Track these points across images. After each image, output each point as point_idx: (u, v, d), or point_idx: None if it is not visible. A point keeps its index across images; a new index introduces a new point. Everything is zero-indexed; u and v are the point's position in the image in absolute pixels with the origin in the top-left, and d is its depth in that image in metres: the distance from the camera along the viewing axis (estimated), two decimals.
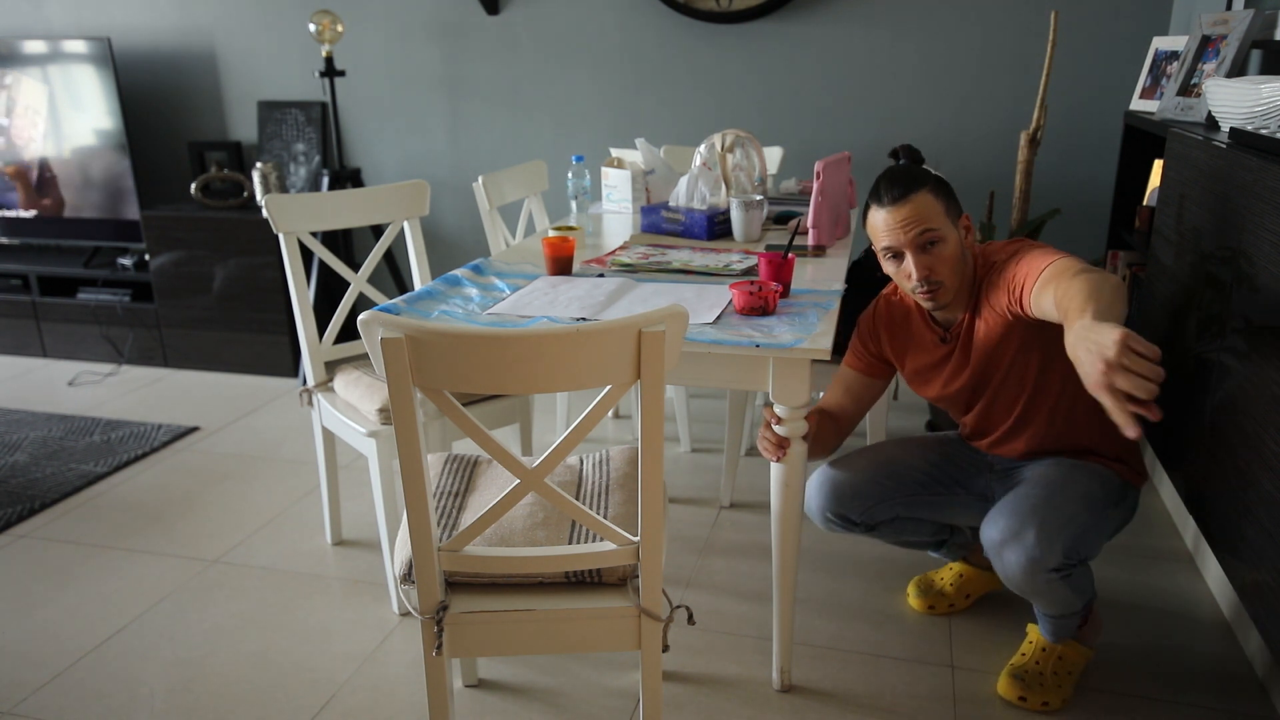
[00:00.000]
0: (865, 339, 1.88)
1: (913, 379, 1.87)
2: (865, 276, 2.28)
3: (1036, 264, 1.59)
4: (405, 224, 2.32)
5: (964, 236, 1.69)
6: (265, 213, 2.13)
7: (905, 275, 1.66)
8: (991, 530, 1.65)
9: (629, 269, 2.06)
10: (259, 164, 3.60)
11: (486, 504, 1.55)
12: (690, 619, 1.48)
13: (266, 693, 1.81)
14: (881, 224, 1.64)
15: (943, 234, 1.64)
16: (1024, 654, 1.82)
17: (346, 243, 3.84)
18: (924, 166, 1.72)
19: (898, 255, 1.65)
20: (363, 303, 3.78)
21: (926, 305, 1.70)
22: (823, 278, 1.98)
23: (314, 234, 3.21)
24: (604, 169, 2.78)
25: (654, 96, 3.50)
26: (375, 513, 2.52)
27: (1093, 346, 1.26)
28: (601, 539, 1.41)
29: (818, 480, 1.87)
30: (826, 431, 1.88)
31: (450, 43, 3.62)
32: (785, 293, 1.82)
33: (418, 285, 2.38)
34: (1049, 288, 1.51)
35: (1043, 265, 1.58)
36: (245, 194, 3.63)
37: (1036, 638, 1.82)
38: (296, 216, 2.15)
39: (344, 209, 2.23)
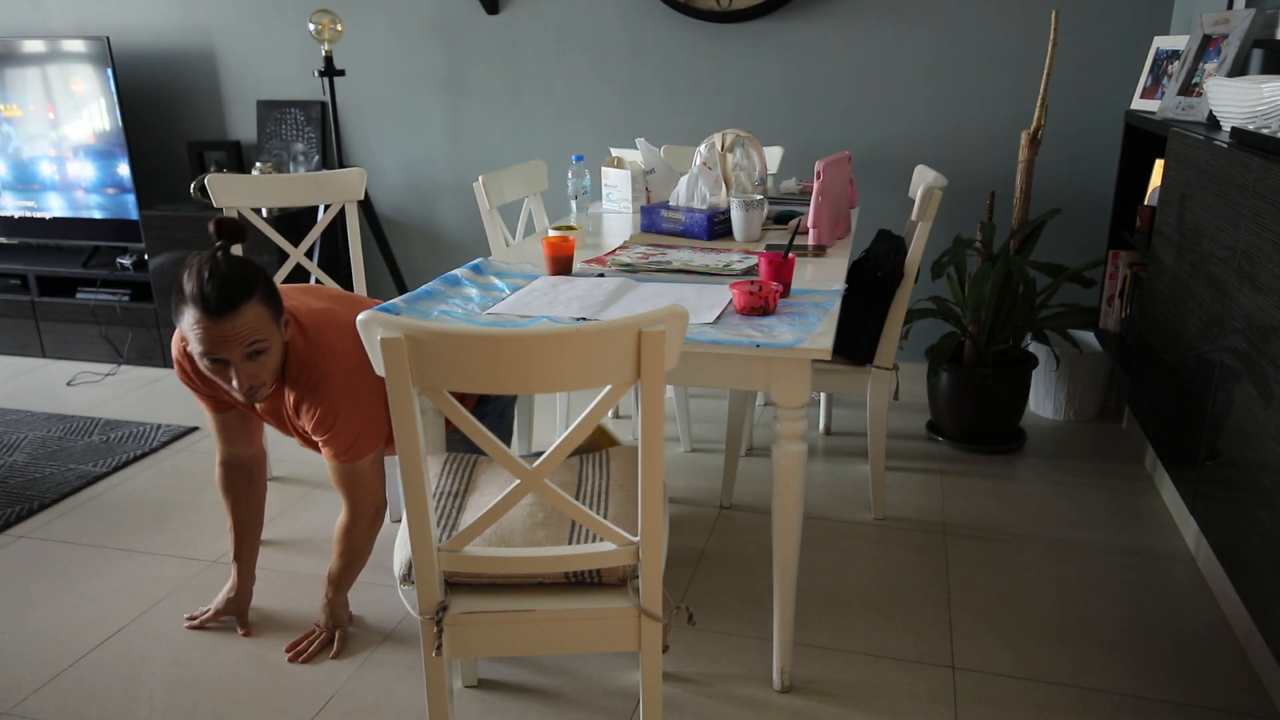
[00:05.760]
0: (200, 387, 1.86)
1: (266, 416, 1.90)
2: (865, 277, 2.28)
3: (329, 441, 1.75)
4: (349, 208, 2.57)
5: (284, 333, 1.69)
6: (208, 190, 2.39)
7: (225, 379, 1.62)
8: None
9: (629, 269, 2.06)
10: (258, 164, 3.59)
11: (486, 504, 1.54)
12: (690, 619, 1.48)
13: (266, 693, 1.81)
14: (205, 334, 1.55)
15: (270, 343, 1.62)
16: None
17: (342, 238, 3.83)
18: (249, 259, 1.65)
19: (217, 362, 1.60)
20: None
21: (245, 401, 1.69)
22: (823, 278, 1.98)
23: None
24: (604, 169, 2.78)
25: (654, 96, 3.49)
26: None
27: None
28: (601, 539, 1.41)
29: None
30: (243, 481, 1.98)
31: (450, 43, 3.62)
32: (785, 293, 1.82)
33: (356, 268, 2.58)
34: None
35: (330, 451, 1.76)
36: None
37: None
38: (237, 193, 2.44)
39: (283, 190, 2.49)
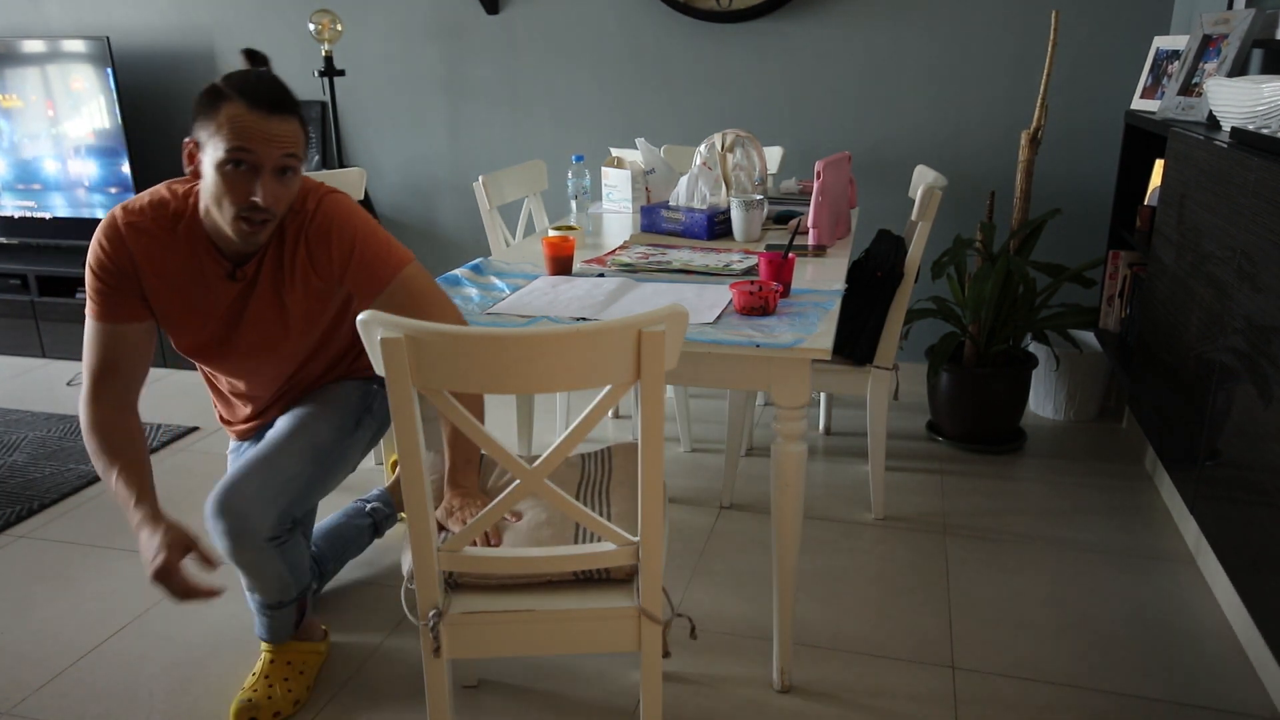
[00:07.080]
0: (113, 276, 1.56)
1: (165, 320, 1.62)
2: (865, 276, 2.28)
3: (384, 269, 1.56)
4: None
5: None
6: None
7: (241, 194, 1.43)
8: (209, 499, 1.52)
9: (629, 269, 2.06)
10: None
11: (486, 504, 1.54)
12: (693, 634, 1.45)
13: None
14: (249, 127, 1.40)
15: (299, 166, 1.49)
16: (254, 689, 1.71)
17: None
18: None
19: (244, 166, 1.42)
20: None
21: (239, 238, 1.48)
22: (823, 278, 1.98)
23: None
24: (604, 169, 2.78)
25: (654, 96, 3.49)
26: None
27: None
28: (601, 539, 1.41)
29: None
30: (121, 423, 1.55)
31: (450, 43, 3.62)
32: (785, 293, 1.82)
33: None
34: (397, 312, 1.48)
35: (371, 276, 1.56)
36: None
37: (263, 658, 1.76)
38: None
39: None
